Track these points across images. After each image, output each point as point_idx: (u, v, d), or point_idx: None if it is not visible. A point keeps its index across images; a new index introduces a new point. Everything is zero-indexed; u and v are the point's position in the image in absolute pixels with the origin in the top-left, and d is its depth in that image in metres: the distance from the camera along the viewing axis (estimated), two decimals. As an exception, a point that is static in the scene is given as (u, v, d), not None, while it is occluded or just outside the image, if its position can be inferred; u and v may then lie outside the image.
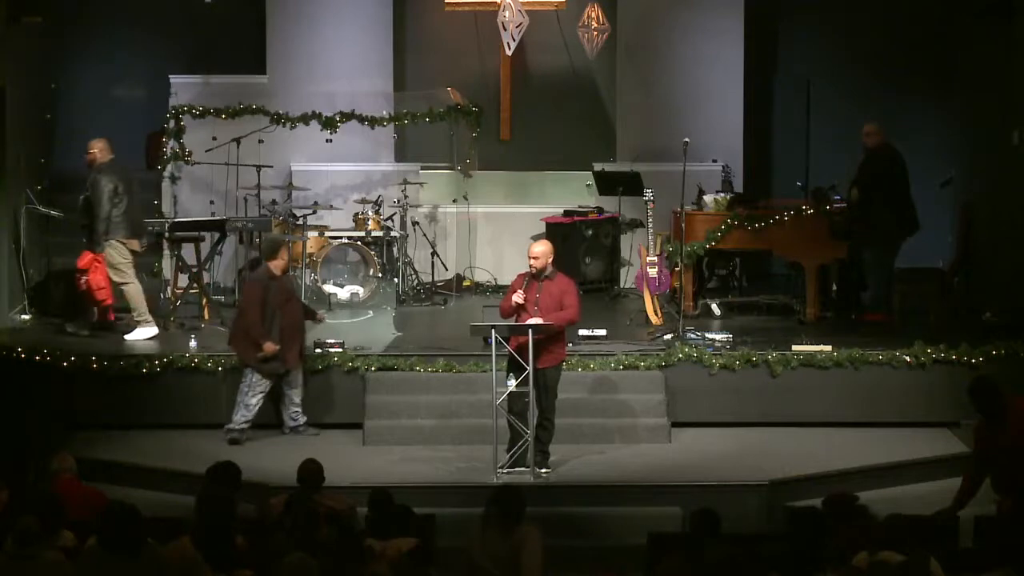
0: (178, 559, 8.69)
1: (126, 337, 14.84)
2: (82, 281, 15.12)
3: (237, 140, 16.84)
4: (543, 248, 12.56)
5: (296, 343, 13.65)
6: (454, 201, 17.97)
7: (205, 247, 16.05)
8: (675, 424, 13.81)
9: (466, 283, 17.77)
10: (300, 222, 16.79)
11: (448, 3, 18.09)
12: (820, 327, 15.35)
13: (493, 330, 12.43)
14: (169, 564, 8.65)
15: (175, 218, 16.50)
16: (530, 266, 12.47)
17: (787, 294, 16.41)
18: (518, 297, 12.37)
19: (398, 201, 17.15)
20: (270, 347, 13.40)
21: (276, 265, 13.61)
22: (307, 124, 17.50)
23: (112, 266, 14.92)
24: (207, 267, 16.20)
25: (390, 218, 17.09)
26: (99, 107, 18.77)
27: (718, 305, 16.20)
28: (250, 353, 13.45)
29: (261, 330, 13.41)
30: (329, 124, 17.50)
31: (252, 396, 13.49)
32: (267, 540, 9.41)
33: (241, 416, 13.48)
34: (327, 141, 17.55)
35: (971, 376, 13.87)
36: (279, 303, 13.54)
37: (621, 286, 17.50)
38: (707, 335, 14.75)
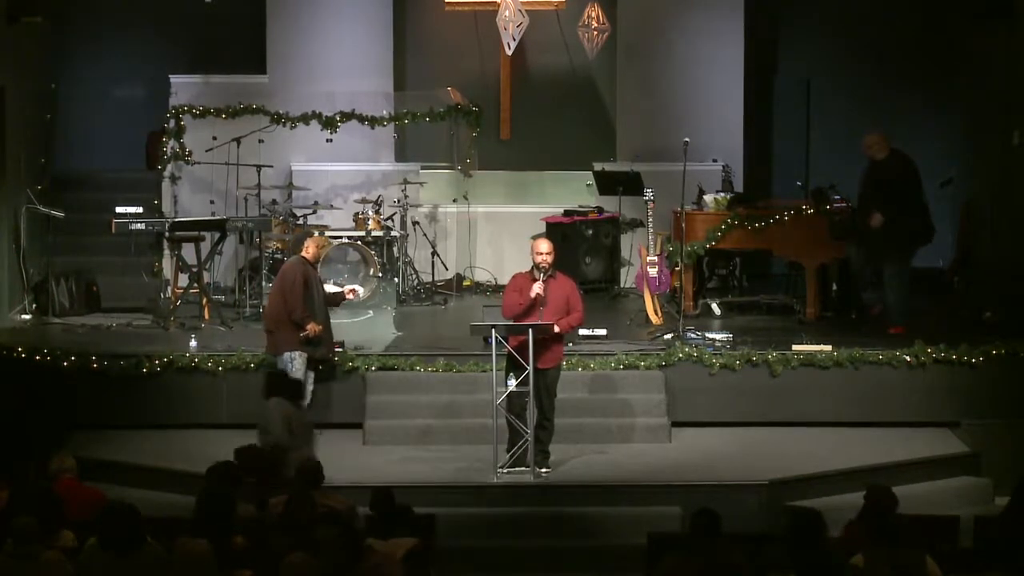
0: (192, 555, 8.65)
1: None
2: None
3: (237, 140, 16.84)
4: (550, 244, 12.58)
5: (329, 330, 13.72)
6: (454, 201, 17.98)
7: (205, 247, 16.04)
8: (675, 424, 13.82)
9: (466, 283, 17.79)
10: (300, 222, 16.82)
11: (448, 3, 18.12)
12: (820, 327, 15.36)
13: (493, 330, 12.44)
14: (181, 561, 8.62)
15: (175, 218, 16.49)
16: (539, 264, 12.43)
17: (787, 294, 16.42)
18: (538, 287, 12.32)
19: (398, 201, 17.16)
20: (314, 327, 13.37)
21: (310, 256, 13.65)
22: (307, 124, 17.52)
23: None
24: (207, 267, 16.20)
25: (390, 218, 17.10)
26: (99, 107, 18.82)
27: (718, 305, 16.21)
28: (293, 339, 13.38)
29: (304, 310, 13.35)
30: (329, 124, 17.52)
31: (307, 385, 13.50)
32: (267, 540, 9.42)
33: None
34: (327, 141, 17.57)
35: (972, 375, 13.96)
36: (317, 284, 13.60)
37: (621, 286, 17.51)
38: (707, 335, 14.76)
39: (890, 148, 15.31)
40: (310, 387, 13.67)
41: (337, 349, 14.05)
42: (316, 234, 14.38)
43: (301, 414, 12.40)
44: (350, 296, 14.48)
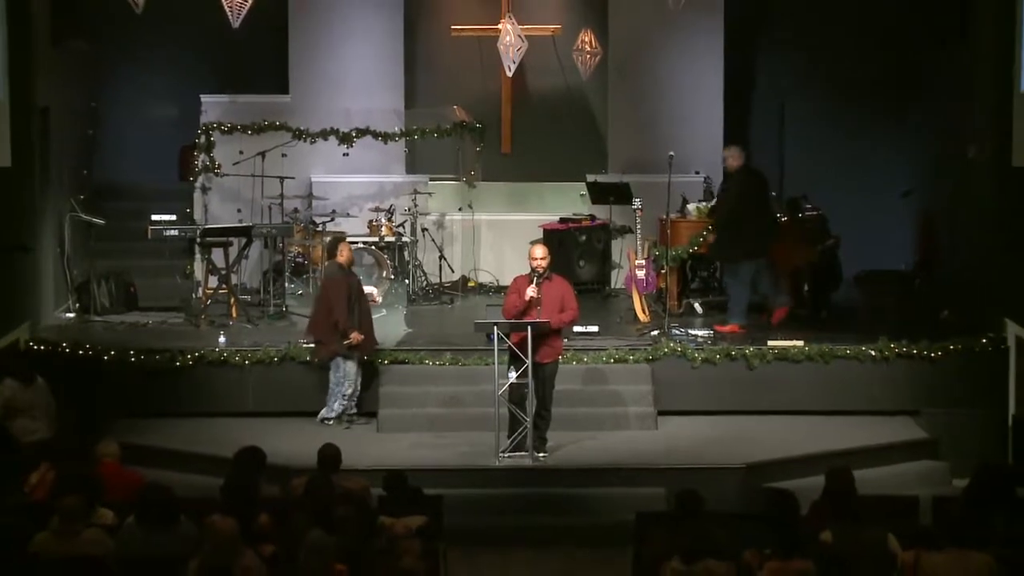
0: (221, 532, 8.67)
1: None
2: None
3: (262, 154, 16.85)
4: (544, 250, 12.62)
5: (371, 330, 13.75)
6: (460, 209, 18.00)
7: (233, 251, 16.05)
8: (661, 412, 13.83)
9: (471, 284, 17.79)
10: (319, 228, 16.83)
11: (454, 29, 18.14)
12: (793, 324, 15.35)
13: (495, 327, 12.47)
14: (211, 537, 8.64)
15: (206, 225, 16.51)
16: (536, 267, 12.48)
17: (763, 294, 16.39)
18: (532, 291, 12.37)
19: (408, 209, 17.17)
20: (357, 336, 13.44)
21: (344, 259, 13.66)
22: (326, 139, 17.52)
23: None
24: (235, 269, 16.20)
25: (401, 225, 17.11)
26: (136, 124, 18.81)
27: (700, 304, 16.21)
28: (339, 345, 13.46)
29: (350, 322, 13.42)
30: (346, 139, 17.52)
31: (349, 387, 13.56)
32: (289, 518, 9.45)
33: (340, 405, 13.56)
34: (344, 155, 17.57)
35: (931, 368, 13.98)
36: (358, 293, 13.61)
37: (612, 287, 17.51)
38: (690, 331, 14.77)
39: (742, 162, 15.20)
40: (359, 384, 13.69)
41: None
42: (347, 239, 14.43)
43: (30, 392, 12.45)
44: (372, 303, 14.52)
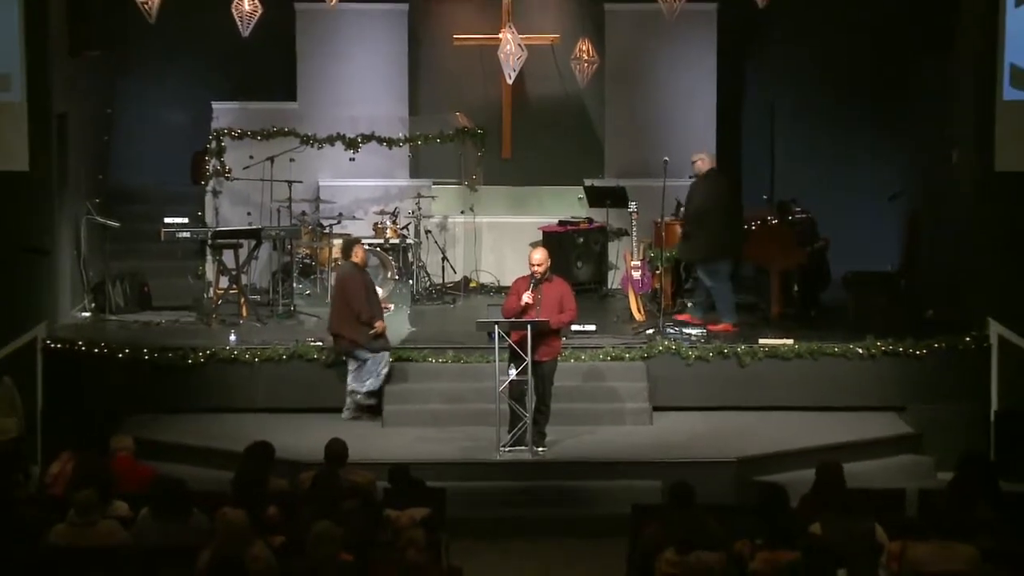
0: (231, 524, 8.69)
1: None
2: None
3: (271, 159, 16.87)
4: (543, 255, 12.62)
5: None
6: (462, 212, 18.01)
7: (243, 253, 16.07)
8: (656, 408, 13.85)
9: (472, 284, 17.80)
10: (327, 231, 16.85)
11: (456, 39, 18.15)
12: (783, 323, 15.37)
13: (496, 326, 12.49)
14: (222, 528, 8.65)
15: (217, 227, 16.53)
16: (533, 272, 12.50)
17: (755, 294, 16.43)
18: (527, 297, 12.40)
19: (412, 212, 17.18)
20: (381, 324, 13.58)
21: (358, 260, 13.76)
22: (332, 144, 17.54)
23: None
24: (245, 270, 16.23)
25: (405, 227, 17.13)
26: (149, 130, 18.80)
27: (694, 304, 16.21)
28: (365, 336, 13.54)
29: (371, 312, 13.54)
30: (352, 144, 17.54)
31: (385, 367, 13.64)
32: (297, 510, 9.47)
33: (372, 383, 13.63)
34: (350, 159, 17.57)
35: (917, 365, 14.00)
36: (371, 289, 13.74)
37: (608, 287, 17.52)
38: (684, 330, 14.79)
39: (712, 165, 15.17)
40: (386, 371, 13.77)
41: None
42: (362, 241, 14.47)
43: None
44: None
